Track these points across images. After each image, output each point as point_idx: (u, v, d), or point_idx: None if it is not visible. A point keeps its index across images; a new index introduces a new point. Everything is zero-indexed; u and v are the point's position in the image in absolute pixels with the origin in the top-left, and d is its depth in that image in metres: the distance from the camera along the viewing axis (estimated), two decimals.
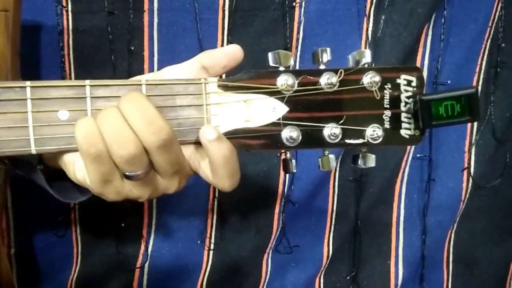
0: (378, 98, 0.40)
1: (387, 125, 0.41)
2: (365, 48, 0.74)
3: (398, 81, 0.40)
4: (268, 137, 0.39)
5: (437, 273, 0.85)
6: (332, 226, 0.81)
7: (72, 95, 0.36)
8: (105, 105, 0.37)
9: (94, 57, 0.70)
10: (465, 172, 0.81)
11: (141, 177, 0.37)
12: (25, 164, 0.43)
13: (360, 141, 0.40)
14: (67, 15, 0.68)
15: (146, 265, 0.77)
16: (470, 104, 0.38)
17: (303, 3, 0.71)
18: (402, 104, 0.41)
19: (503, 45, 0.77)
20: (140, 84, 0.37)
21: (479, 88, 0.79)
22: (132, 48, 0.71)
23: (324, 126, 0.40)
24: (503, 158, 0.82)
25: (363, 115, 0.40)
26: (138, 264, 0.77)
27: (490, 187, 0.82)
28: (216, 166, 0.38)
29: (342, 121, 0.40)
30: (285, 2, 0.71)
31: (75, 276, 0.76)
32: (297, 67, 0.74)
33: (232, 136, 0.39)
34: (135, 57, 0.71)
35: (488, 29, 0.76)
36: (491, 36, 0.77)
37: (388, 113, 0.41)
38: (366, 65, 0.41)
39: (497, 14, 0.76)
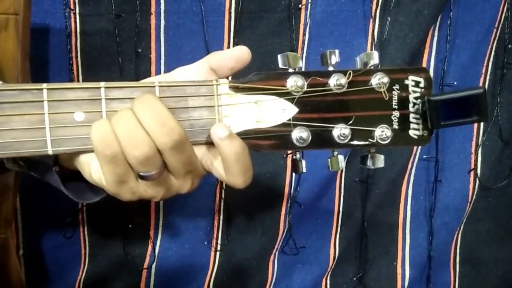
0: (387, 99, 0.40)
1: (395, 126, 0.41)
2: (371, 49, 0.74)
3: (406, 82, 0.41)
4: (278, 137, 0.40)
5: (444, 274, 0.85)
6: (339, 227, 0.81)
7: (87, 97, 0.37)
8: (119, 107, 0.37)
9: (102, 59, 0.70)
10: (472, 174, 0.81)
11: (155, 177, 0.38)
12: (40, 165, 0.44)
13: (369, 141, 0.41)
14: (75, 18, 0.69)
15: (153, 265, 0.77)
16: (478, 104, 0.38)
17: (309, 5, 0.72)
18: (411, 104, 0.41)
19: (509, 46, 0.77)
20: (154, 86, 0.38)
21: (486, 89, 0.79)
22: (139, 50, 0.71)
23: (333, 127, 0.40)
24: (509, 159, 0.82)
25: (372, 115, 0.40)
26: (145, 264, 0.77)
27: (497, 188, 0.82)
28: (228, 163, 0.39)
29: (351, 122, 0.40)
30: (291, 4, 0.71)
31: (83, 276, 0.76)
32: (303, 69, 0.74)
33: (243, 136, 0.39)
34: (142, 59, 0.72)
35: (494, 30, 0.76)
36: (497, 38, 0.77)
37: (396, 113, 0.41)
38: (374, 67, 0.41)
39: (503, 15, 0.76)
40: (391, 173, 0.79)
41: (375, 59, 0.40)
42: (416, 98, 0.41)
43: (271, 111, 0.39)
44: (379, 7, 0.73)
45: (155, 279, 0.78)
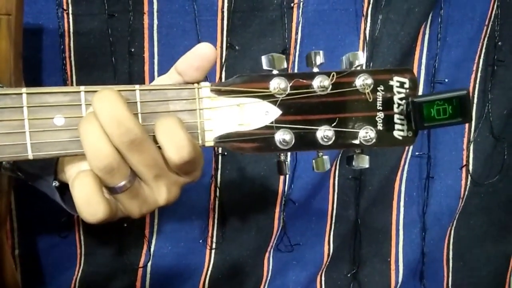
0: (371, 100, 0.40)
1: (380, 127, 0.41)
2: (363, 47, 0.74)
3: (391, 83, 0.41)
4: (261, 140, 0.39)
5: (437, 269, 0.86)
6: (333, 224, 0.82)
7: (67, 102, 0.37)
8: None
9: (95, 59, 0.71)
10: (464, 170, 0.82)
11: (124, 189, 0.37)
12: (38, 179, 0.44)
13: (352, 143, 0.41)
14: (68, 18, 0.69)
15: (149, 264, 0.77)
16: (461, 106, 0.38)
17: (301, 3, 0.72)
18: (395, 105, 0.41)
19: (499, 43, 0.78)
20: (134, 90, 0.38)
21: (477, 86, 0.79)
22: (133, 50, 0.71)
23: (317, 129, 0.40)
24: (501, 155, 0.82)
25: (356, 117, 0.40)
26: (141, 263, 0.78)
27: (489, 184, 0.83)
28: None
29: (335, 124, 0.40)
30: (284, 3, 0.72)
31: (78, 276, 0.76)
32: (296, 68, 0.75)
33: (226, 140, 0.39)
34: (136, 58, 0.72)
35: (485, 27, 0.77)
36: (487, 35, 0.78)
37: (381, 115, 0.41)
38: (359, 67, 0.41)
39: (494, 13, 0.76)
40: (384, 170, 0.80)
41: (360, 59, 0.40)
42: (400, 99, 0.41)
43: (254, 113, 0.39)
44: (370, 6, 0.74)
45: (151, 277, 0.78)
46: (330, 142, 0.40)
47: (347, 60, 0.41)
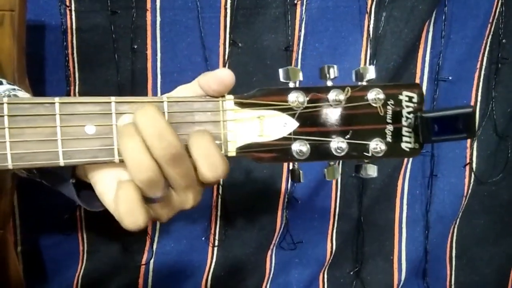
0: (382, 114, 0.42)
1: (389, 139, 0.43)
2: (367, 45, 0.74)
3: (400, 97, 0.42)
4: (279, 150, 0.41)
5: (440, 268, 0.85)
6: (335, 222, 0.82)
7: (98, 111, 0.38)
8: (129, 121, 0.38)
9: (98, 56, 0.70)
10: (467, 168, 0.82)
11: (161, 199, 0.39)
12: (53, 175, 0.45)
13: (364, 154, 0.43)
14: (71, 15, 0.68)
15: (151, 261, 0.77)
16: (466, 122, 0.40)
17: (305, 0, 0.72)
18: (403, 119, 0.43)
19: (504, 41, 0.78)
20: (162, 102, 0.39)
21: (481, 83, 0.79)
22: (135, 46, 0.71)
23: (331, 140, 0.42)
24: (504, 153, 0.82)
25: (367, 129, 0.42)
26: (143, 261, 0.78)
27: (492, 182, 0.83)
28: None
29: (348, 136, 0.42)
30: (287, 0, 0.72)
31: (81, 273, 0.76)
32: (299, 64, 0.75)
33: (246, 150, 0.41)
34: (138, 55, 0.72)
35: (489, 25, 0.77)
36: (491, 32, 0.77)
37: (390, 127, 0.43)
38: (370, 81, 0.43)
39: (498, 10, 0.76)
40: (387, 168, 0.80)
41: (371, 73, 0.42)
42: (409, 112, 0.43)
43: (273, 125, 0.41)
44: (374, 3, 0.73)
45: (153, 275, 0.78)
46: (343, 154, 0.42)
47: (358, 73, 0.43)
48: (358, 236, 0.83)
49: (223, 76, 0.41)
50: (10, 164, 0.37)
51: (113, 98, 0.38)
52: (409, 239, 0.84)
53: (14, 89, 0.48)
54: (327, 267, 0.84)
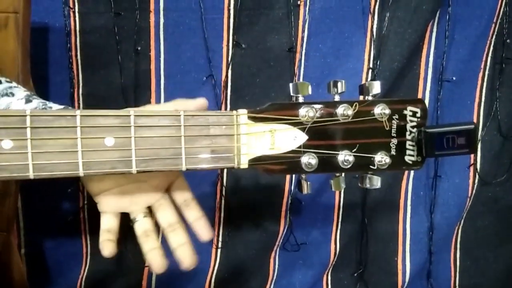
0: (387, 128, 0.44)
1: (393, 152, 0.44)
2: (370, 45, 0.74)
3: (405, 112, 0.44)
4: (289, 163, 0.43)
5: (444, 269, 0.85)
6: (339, 223, 0.81)
7: (118, 124, 0.39)
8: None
9: (101, 57, 0.71)
10: (471, 169, 0.81)
11: None
12: None
13: (370, 168, 0.44)
14: (74, 16, 0.69)
15: None
16: (469, 138, 0.42)
17: (308, 1, 0.72)
18: (408, 133, 0.44)
19: (508, 41, 0.77)
20: (179, 115, 0.40)
21: (485, 84, 0.79)
22: (139, 48, 0.71)
23: (338, 153, 0.43)
24: (509, 154, 0.82)
25: (373, 143, 0.44)
26: (147, 262, 0.77)
27: (496, 183, 0.82)
28: None
29: (355, 149, 0.43)
30: (290, 0, 0.71)
31: (84, 275, 0.76)
32: (302, 65, 0.74)
33: (258, 162, 0.42)
34: (142, 57, 0.72)
35: (493, 25, 0.76)
36: (495, 32, 0.77)
37: (395, 141, 0.44)
38: (376, 96, 0.44)
39: (502, 10, 0.76)
40: None
41: (377, 88, 0.43)
42: (412, 127, 0.44)
43: (284, 138, 0.43)
44: (377, 3, 0.73)
45: (157, 276, 0.78)
46: (349, 166, 0.43)
47: (364, 88, 0.44)
48: (362, 238, 0.83)
49: (200, 104, 0.45)
50: (31, 174, 0.38)
51: (132, 112, 0.39)
52: (413, 241, 0.83)
53: (11, 87, 0.48)
54: (330, 268, 0.83)
